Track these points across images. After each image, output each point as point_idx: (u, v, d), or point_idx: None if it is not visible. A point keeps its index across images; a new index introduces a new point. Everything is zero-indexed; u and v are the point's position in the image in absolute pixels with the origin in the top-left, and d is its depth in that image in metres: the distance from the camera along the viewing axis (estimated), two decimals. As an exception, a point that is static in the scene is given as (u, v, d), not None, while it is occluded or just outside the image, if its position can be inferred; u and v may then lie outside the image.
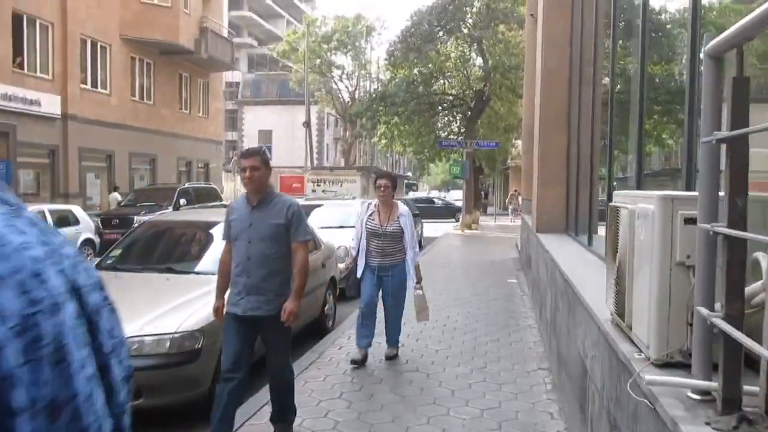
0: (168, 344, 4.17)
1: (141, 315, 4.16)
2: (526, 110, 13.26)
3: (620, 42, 6.05)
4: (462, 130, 27.65)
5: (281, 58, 46.18)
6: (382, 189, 5.83)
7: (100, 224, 15.40)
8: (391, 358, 5.98)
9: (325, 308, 7.32)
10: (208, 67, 28.67)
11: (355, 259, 5.88)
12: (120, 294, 4.95)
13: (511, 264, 13.82)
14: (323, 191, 34.52)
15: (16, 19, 18.10)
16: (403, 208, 5.99)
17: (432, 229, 25.42)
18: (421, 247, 18.66)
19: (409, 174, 63.57)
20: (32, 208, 12.45)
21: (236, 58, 62.85)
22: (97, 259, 5.87)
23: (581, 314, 3.82)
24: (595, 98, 7.06)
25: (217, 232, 4.83)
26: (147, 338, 4.12)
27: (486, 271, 12.68)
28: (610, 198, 5.12)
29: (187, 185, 19.07)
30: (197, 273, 5.05)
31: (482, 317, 8.02)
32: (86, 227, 13.02)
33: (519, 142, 34.56)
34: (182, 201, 17.36)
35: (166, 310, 4.28)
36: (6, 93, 17.49)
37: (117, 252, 5.63)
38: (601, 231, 5.28)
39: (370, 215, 5.85)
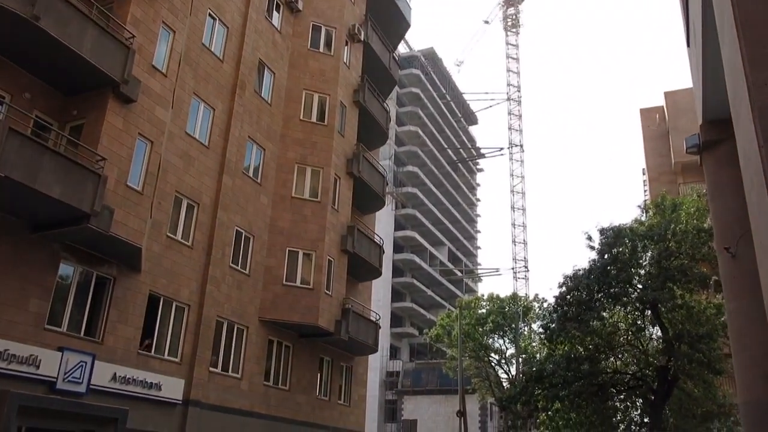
0: None
1: None
2: (743, 386, 9.20)
3: None
4: (645, 419, 22.26)
5: (434, 342, 44.48)
6: None
7: None
8: None
9: None
10: (352, 351, 27.15)
11: None
12: None
13: None
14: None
15: (152, 302, 18.06)
16: None
17: None
18: None
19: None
20: None
21: (397, 347, 63.18)
22: None
23: None
24: None
25: None
26: None
27: None
28: None
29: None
30: None
31: None
32: None
33: (726, 436, 27.49)
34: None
35: None
36: (125, 376, 16.52)
37: None
38: None
39: None
